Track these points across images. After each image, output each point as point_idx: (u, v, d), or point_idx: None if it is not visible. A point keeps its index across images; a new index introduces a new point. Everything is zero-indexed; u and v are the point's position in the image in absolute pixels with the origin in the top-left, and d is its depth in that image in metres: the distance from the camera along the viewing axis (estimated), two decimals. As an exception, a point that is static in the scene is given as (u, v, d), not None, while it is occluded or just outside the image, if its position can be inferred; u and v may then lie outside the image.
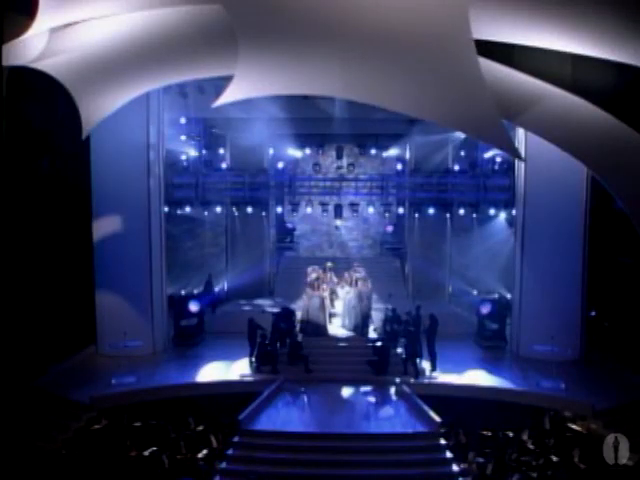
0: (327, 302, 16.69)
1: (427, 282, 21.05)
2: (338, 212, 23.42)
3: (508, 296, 19.45)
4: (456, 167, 21.56)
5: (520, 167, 17.96)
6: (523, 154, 15.95)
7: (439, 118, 11.32)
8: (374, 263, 21.46)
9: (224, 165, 21.90)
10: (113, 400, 14.22)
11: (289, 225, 24.90)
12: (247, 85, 11.03)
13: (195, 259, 21.81)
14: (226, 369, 15.93)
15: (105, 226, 17.12)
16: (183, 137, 20.96)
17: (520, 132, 17.07)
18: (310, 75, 10.94)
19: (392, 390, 14.75)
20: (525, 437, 13.07)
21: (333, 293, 17.42)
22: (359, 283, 16.69)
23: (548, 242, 16.98)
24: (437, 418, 12.61)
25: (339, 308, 17.21)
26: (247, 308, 18.53)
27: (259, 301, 19.90)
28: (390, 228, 24.64)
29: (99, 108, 12.39)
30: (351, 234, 24.52)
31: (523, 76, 12.30)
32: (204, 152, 21.78)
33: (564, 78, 13.07)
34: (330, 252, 23.77)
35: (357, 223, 24.53)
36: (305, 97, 18.42)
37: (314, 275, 16.39)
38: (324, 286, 16.64)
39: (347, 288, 16.91)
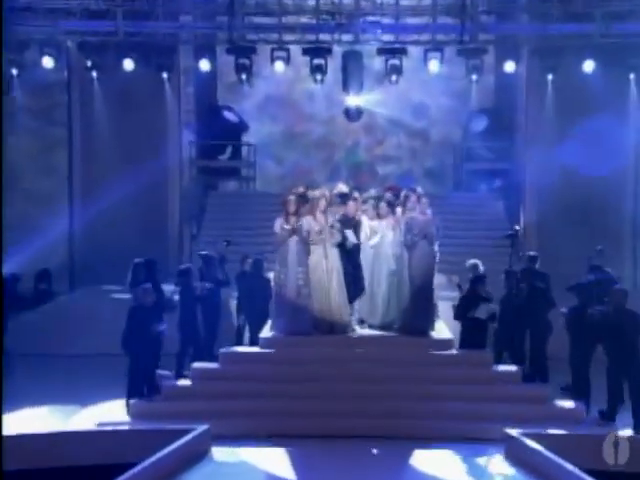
0: (332, 258, 11.97)
1: (574, 245, 15.06)
2: (350, 78, 15.57)
3: None
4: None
5: None
6: None
7: None
8: (443, 206, 15.69)
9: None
10: None
11: (229, 116, 18.73)
12: None
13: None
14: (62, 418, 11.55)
15: None
16: None
17: None
18: None
19: (496, 455, 10.05)
20: None
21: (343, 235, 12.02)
22: (405, 210, 11.87)
23: None
24: None
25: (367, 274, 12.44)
26: (119, 297, 14.03)
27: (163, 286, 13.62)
28: (482, 122, 18.19)
29: None
30: (385, 137, 18.58)
31: None
32: None
33: None
34: (332, 185, 17.29)
35: (400, 108, 18.23)
36: None
37: (293, 197, 12.31)
38: (320, 216, 11.78)
39: (375, 223, 12.48)
